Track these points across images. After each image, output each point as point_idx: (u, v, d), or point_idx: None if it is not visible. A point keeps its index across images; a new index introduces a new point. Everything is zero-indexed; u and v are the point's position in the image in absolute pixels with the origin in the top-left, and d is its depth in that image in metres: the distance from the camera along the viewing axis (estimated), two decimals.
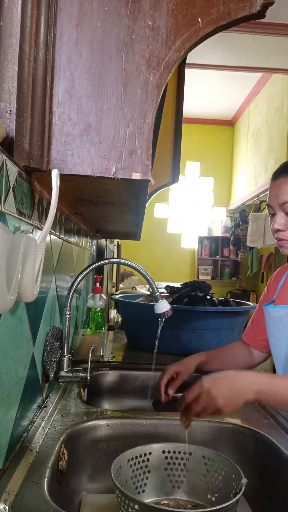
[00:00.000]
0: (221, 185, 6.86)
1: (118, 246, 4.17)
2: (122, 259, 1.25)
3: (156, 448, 0.83)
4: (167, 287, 1.88)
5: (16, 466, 0.73)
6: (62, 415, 0.98)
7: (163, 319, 1.26)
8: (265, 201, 5.48)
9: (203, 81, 5.33)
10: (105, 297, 1.82)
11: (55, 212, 0.73)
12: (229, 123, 6.81)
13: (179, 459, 0.84)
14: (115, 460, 0.74)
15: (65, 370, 1.18)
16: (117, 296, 2.03)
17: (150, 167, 0.73)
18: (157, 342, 1.25)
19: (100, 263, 1.33)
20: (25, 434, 0.85)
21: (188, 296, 1.70)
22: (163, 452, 0.84)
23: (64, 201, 1.09)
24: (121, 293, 3.23)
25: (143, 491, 0.82)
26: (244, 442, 0.98)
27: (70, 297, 1.20)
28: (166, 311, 1.25)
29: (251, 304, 1.86)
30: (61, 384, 1.19)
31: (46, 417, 0.96)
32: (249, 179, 5.86)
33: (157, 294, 1.25)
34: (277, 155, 4.86)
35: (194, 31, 0.73)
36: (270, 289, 1.23)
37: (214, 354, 1.26)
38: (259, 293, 6.15)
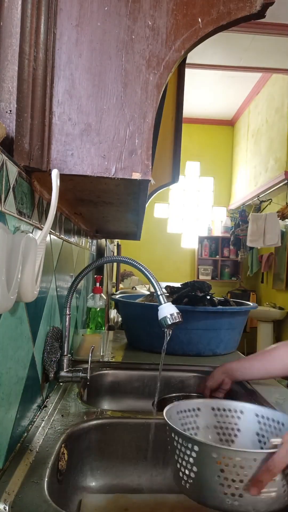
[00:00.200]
0: (221, 185, 6.86)
1: (118, 246, 4.17)
2: (123, 257, 1.22)
3: (204, 403, 0.82)
4: (167, 287, 1.88)
5: (16, 466, 0.73)
6: (62, 415, 0.98)
7: (170, 331, 1.03)
8: (265, 201, 5.48)
9: (203, 81, 5.33)
10: (105, 297, 1.82)
11: (55, 212, 0.73)
12: (229, 123, 6.81)
13: (229, 417, 0.82)
14: (166, 410, 0.72)
15: (65, 370, 1.18)
16: (117, 296, 2.03)
17: (150, 167, 0.73)
18: (165, 345, 1.03)
19: (100, 262, 1.33)
20: (25, 434, 0.85)
21: (188, 296, 1.70)
22: (213, 409, 0.82)
23: (64, 201, 1.09)
24: (121, 293, 3.23)
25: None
26: None
27: (70, 297, 1.20)
28: (173, 315, 1.02)
29: (251, 304, 1.86)
30: (61, 384, 1.19)
31: (46, 417, 0.96)
32: (249, 179, 5.86)
33: (160, 294, 1.06)
34: (277, 155, 4.86)
35: (194, 31, 0.73)
36: None
37: (253, 359, 1.17)
38: (259, 293, 6.16)
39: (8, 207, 0.67)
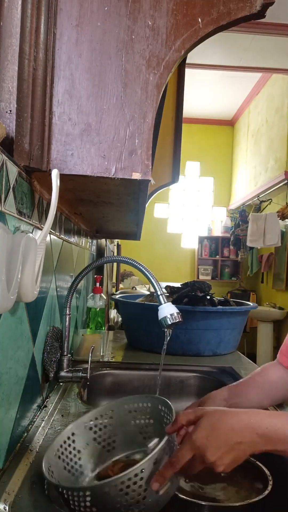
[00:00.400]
0: (221, 185, 6.86)
1: (118, 246, 4.17)
2: (123, 257, 1.21)
3: (76, 424, 0.79)
4: (167, 287, 1.88)
5: (16, 466, 0.73)
6: (62, 415, 0.98)
7: (170, 331, 1.02)
8: (265, 201, 5.48)
9: (203, 81, 5.33)
10: (105, 297, 1.82)
11: (55, 212, 0.73)
12: (229, 123, 6.81)
13: (103, 423, 0.80)
14: (44, 461, 0.66)
15: (65, 370, 1.18)
16: (117, 296, 2.03)
17: (150, 167, 0.73)
18: (165, 345, 1.01)
19: (100, 262, 1.33)
20: (25, 434, 0.85)
21: (188, 296, 1.70)
22: (85, 426, 0.79)
23: (64, 201, 1.09)
24: (121, 293, 3.23)
25: (81, 472, 0.77)
26: None
27: (70, 297, 1.20)
28: (173, 315, 1.01)
29: (251, 304, 1.86)
30: (61, 384, 1.19)
31: (46, 417, 0.96)
32: (249, 179, 5.86)
33: (160, 294, 1.05)
34: (277, 155, 4.86)
35: (194, 31, 0.73)
36: None
37: (243, 386, 0.98)
38: (259, 293, 6.16)
39: (8, 207, 0.67)
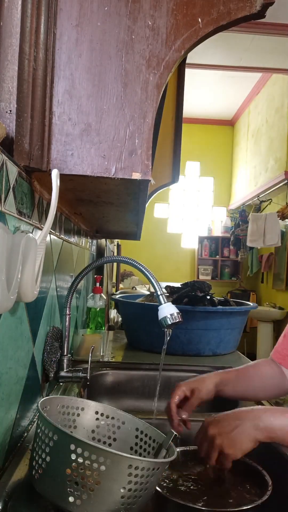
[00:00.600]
0: (221, 185, 6.86)
1: (118, 246, 4.18)
2: (123, 257, 1.21)
3: (90, 405, 0.78)
4: (167, 287, 1.88)
5: (16, 466, 0.73)
6: None
7: (170, 331, 1.02)
8: (265, 201, 5.48)
9: (203, 81, 5.33)
10: (105, 297, 1.82)
11: (55, 212, 0.73)
12: (229, 123, 6.81)
13: (110, 425, 0.78)
14: (44, 400, 0.68)
15: (65, 370, 1.18)
16: (117, 296, 2.03)
17: (150, 167, 0.73)
18: (165, 345, 1.02)
19: (100, 262, 1.33)
20: (25, 434, 0.85)
21: (188, 296, 1.70)
22: (96, 412, 0.78)
23: (64, 201, 1.09)
24: (121, 293, 3.23)
25: None
26: None
27: (70, 297, 1.20)
28: (173, 315, 1.01)
29: (251, 304, 1.86)
30: (61, 384, 1.19)
31: None
32: (249, 179, 5.86)
33: (160, 294, 1.04)
34: (277, 155, 4.86)
35: (194, 31, 0.73)
36: None
37: (236, 374, 1.01)
38: (259, 293, 6.16)
39: (8, 207, 0.67)
